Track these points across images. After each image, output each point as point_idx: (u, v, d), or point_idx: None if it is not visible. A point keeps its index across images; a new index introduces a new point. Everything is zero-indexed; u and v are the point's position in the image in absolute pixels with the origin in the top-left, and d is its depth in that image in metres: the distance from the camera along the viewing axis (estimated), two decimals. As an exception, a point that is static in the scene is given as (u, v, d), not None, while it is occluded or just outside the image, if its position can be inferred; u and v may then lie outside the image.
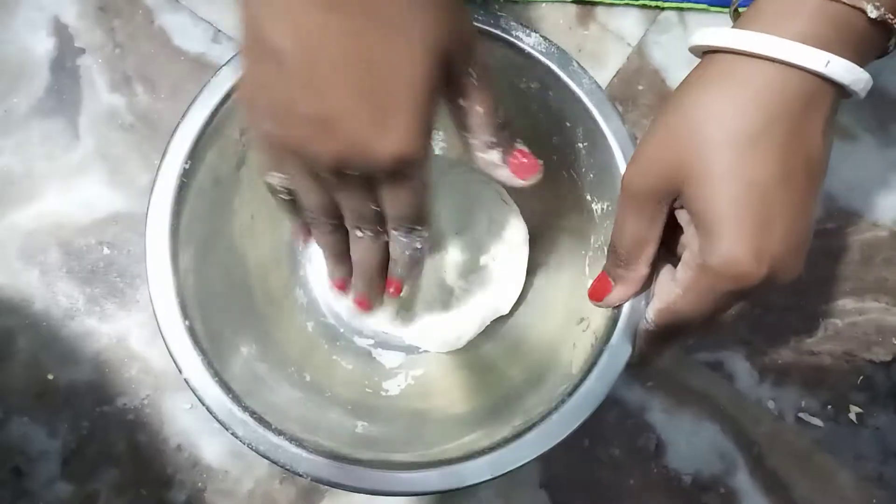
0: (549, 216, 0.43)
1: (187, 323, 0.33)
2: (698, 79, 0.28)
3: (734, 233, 0.26)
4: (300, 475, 0.32)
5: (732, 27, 0.28)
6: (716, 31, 0.27)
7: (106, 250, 0.45)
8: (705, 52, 0.28)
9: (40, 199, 0.46)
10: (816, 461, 0.46)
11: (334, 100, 0.24)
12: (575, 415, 0.33)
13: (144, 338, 0.45)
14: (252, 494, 0.44)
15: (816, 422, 0.46)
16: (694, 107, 0.27)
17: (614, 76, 0.48)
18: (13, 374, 0.44)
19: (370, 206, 0.27)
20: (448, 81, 0.26)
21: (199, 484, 0.44)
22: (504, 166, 0.30)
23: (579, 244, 0.40)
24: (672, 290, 0.29)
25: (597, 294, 0.33)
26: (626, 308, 0.33)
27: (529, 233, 0.44)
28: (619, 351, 0.33)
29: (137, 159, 0.46)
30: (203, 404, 0.33)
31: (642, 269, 0.31)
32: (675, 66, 0.49)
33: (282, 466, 0.32)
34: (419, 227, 0.29)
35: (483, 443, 0.33)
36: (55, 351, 0.44)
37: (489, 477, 0.32)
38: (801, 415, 0.46)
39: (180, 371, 0.33)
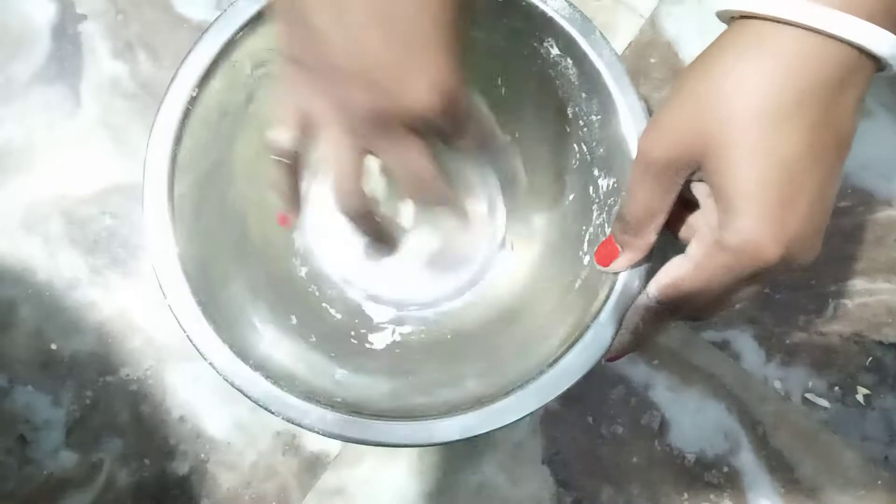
0: (554, 190, 0.42)
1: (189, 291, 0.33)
2: (731, 45, 0.26)
3: (756, 211, 0.25)
4: (272, 413, 0.32)
5: None
6: None
7: (109, 220, 0.45)
8: (734, 18, 0.27)
9: (42, 168, 0.45)
10: (822, 441, 0.45)
11: (367, 56, 0.24)
12: (552, 386, 0.33)
13: (147, 309, 0.44)
14: (255, 466, 0.44)
15: (823, 402, 0.45)
16: (723, 75, 0.26)
17: (626, 48, 0.47)
18: (17, 344, 0.44)
19: (414, 152, 0.27)
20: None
21: (202, 455, 0.44)
22: None
23: (580, 220, 0.39)
24: (681, 265, 0.29)
25: (603, 259, 0.33)
26: (618, 286, 0.33)
27: (530, 206, 0.44)
28: (605, 329, 0.33)
29: (140, 128, 0.46)
30: (183, 333, 0.33)
31: (651, 238, 0.31)
32: (688, 38, 0.47)
33: (255, 402, 0.32)
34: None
35: (458, 406, 0.33)
36: (58, 321, 0.44)
37: (457, 437, 0.32)
38: (807, 395, 0.46)
39: (178, 324, 0.33)
